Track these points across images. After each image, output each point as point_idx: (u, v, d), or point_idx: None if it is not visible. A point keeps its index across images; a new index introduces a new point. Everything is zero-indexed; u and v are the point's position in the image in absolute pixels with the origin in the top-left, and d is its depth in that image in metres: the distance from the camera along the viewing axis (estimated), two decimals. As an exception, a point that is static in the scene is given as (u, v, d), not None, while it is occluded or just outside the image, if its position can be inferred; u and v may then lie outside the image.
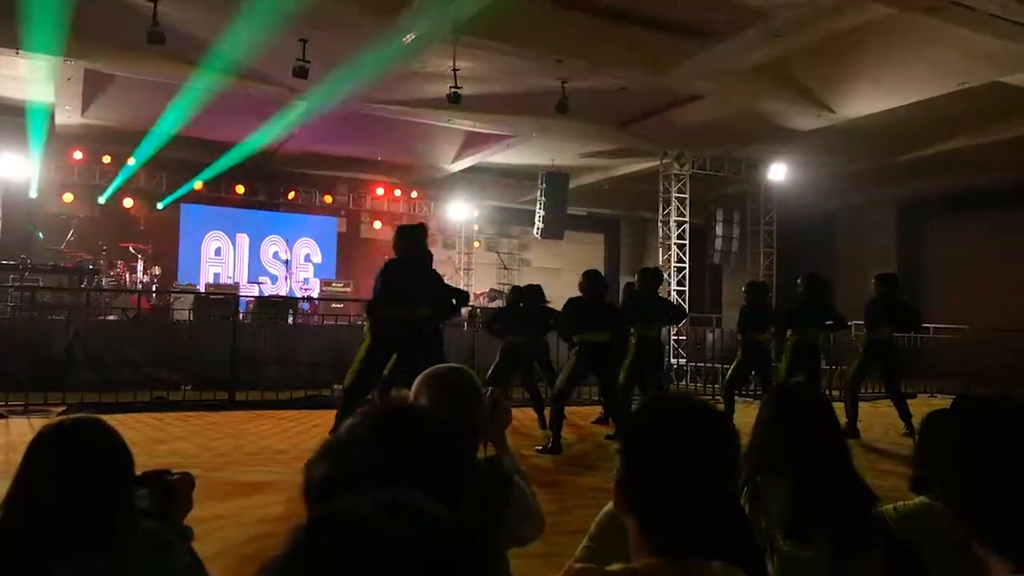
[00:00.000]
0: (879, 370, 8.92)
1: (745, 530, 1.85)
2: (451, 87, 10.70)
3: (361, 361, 6.25)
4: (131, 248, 14.62)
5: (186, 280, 15.91)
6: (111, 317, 12.38)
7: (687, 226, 15.71)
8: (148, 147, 14.57)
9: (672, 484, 1.17)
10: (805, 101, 12.07)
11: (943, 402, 9.02)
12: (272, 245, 17.70)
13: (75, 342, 10.40)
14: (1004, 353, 12.91)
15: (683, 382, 14.41)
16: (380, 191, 18.78)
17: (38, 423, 6.76)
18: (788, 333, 8.69)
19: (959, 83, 10.67)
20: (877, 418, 9.63)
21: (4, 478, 1.64)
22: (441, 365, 2.04)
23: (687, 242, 15.71)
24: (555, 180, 16.85)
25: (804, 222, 18.08)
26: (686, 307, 15.65)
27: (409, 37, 9.64)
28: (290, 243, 17.67)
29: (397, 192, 18.96)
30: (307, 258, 18.16)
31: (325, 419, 7.55)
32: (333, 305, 14.91)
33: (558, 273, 20.77)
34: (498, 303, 17.46)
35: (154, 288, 14.30)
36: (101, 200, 15.72)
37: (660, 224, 15.97)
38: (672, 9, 9.75)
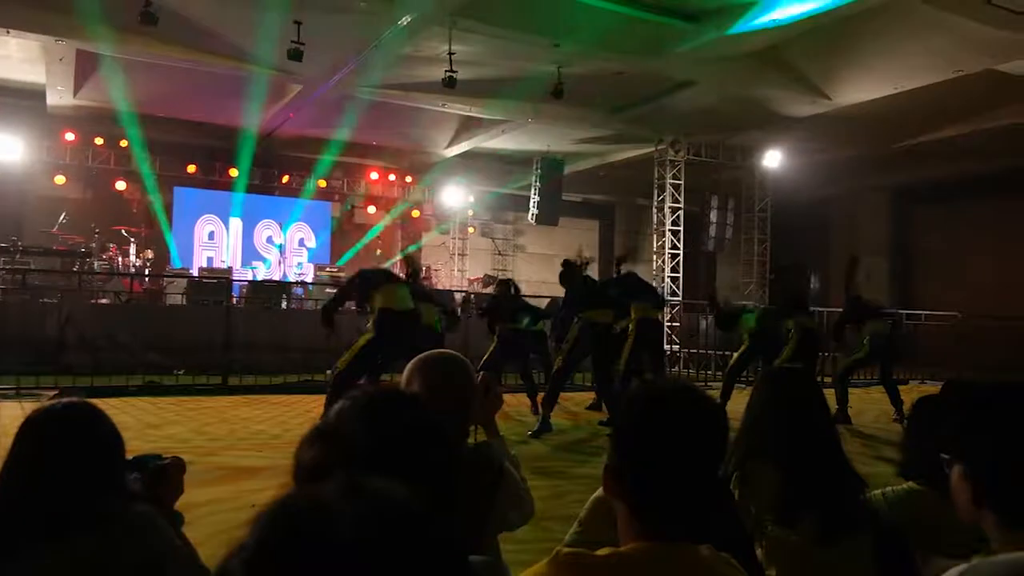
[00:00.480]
0: (879, 361, 8.96)
1: (734, 515, 1.86)
2: (446, 71, 10.64)
3: (360, 349, 6.26)
4: (124, 231, 14.56)
5: (179, 264, 15.86)
6: (103, 301, 12.35)
7: (681, 213, 15.71)
8: (141, 129, 14.47)
9: (662, 470, 1.17)
10: (800, 88, 12.05)
11: (933, 389, 9.08)
12: (266, 229, 17.64)
13: (67, 326, 10.37)
14: (995, 340, 12.99)
15: (676, 368, 14.45)
16: (374, 175, 18.71)
17: (29, 407, 6.73)
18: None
19: (954, 71, 10.67)
20: (869, 404, 9.69)
21: (-5, 461, 1.64)
22: (433, 351, 2.03)
23: (681, 229, 15.72)
24: (550, 166, 16.82)
25: (798, 209, 18.12)
26: (680, 293, 15.72)
27: (405, 20, 9.58)
28: (284, 227, 17.61)
29: (391, 177, 18.89)
30: (301, 243, 18.11)
31: (318, 404, 7.55)
32: (327, 290, 14.90)
33: (552, 259, 20.75)
34: (491, 289, 17.50)
35: (147, 272, 14.25)
36: (93, 182, 15.61)
37: (655, 211, 15.97)
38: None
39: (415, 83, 12.41)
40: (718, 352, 13.91)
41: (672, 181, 15.57)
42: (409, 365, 1.94)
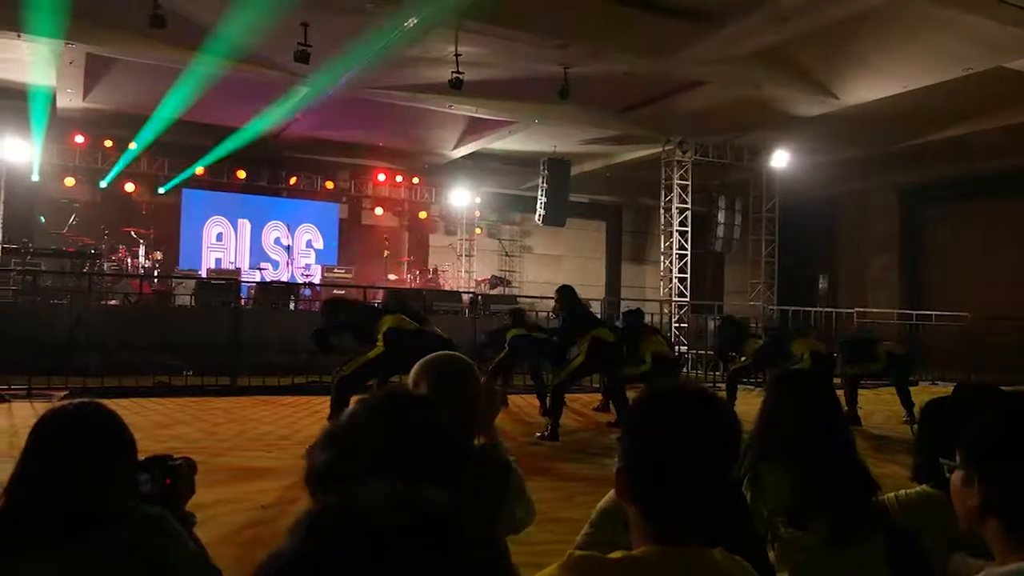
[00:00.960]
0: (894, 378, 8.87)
1: (746, 517, 1.86)
2: (453, 72, 10.65)
3: (368, 360, 6.28)
4: (133, 233, 14.62)
5: (188, 265, 15.92)
6: (113, 302, 12.40)
7: (689, 213, 15.68)
8: (150, 131, 14.54)
9: (674, 472, 1.17)
10: (808, 87, 12.01)
11: (944, 389, 9.01)
12: (274, 231, 17.69)
13: (78, 326, 10.41)
14: (1006, 340, 12.92)
15: (684, 370, 14.42)
16: (382, 177, 18.74)
17: (41, 407, 6.76)
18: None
19: (963, 69, 10.62)
20: (879, 405, 9.65)
21: (8, 461, 1.65)
22: (439, 353, 2.04)
23: (689, 229, 15.69)
24: (557, 167, 16.81)
25: (806, 209, 18.06)
26: (688, 294, 15.69)
27: (411, 21, 9.59)
28: (292, 229, 17.65)
29: (399, 178, 18.91)
30: (308, 244, 18.15)
31: (326, 405, 7.55)
32: (335, 291, 14.92)
33: (559, 260, 20.80)
34: (499, 290, 17.50)
35: (156, 273, 14.31)
36: (103, 184, 15.70)
37: (662, 211, 15.95)
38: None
39: (422, 84, 12.42)
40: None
41: (679, 181, 15.54)
42: (416, 367, 1.96)
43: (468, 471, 1.21)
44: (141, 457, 1.77)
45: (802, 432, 2.01)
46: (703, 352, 14.42)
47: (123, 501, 1.63)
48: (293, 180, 17.75)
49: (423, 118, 14.89)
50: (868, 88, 11.87)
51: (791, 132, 14.53)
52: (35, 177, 14.89)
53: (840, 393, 5.58)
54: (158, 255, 14.75)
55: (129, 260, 14.23)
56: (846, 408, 8.02)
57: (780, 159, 15.88)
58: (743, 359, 9.10)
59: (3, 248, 13.79)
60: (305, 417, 8.00)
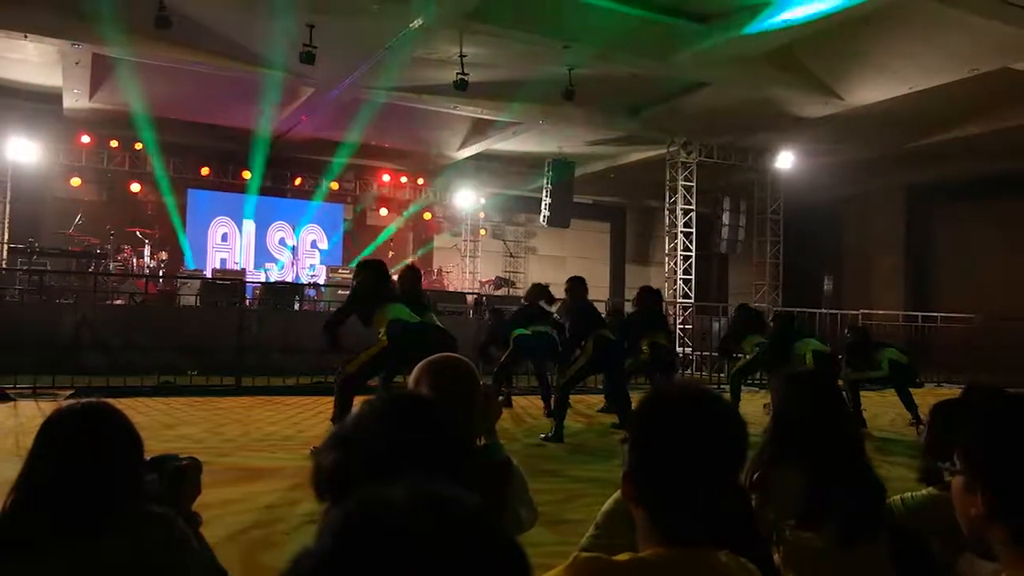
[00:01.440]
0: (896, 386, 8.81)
1: (752, 520, 1.85)
2: (458, 74, 10.66)
3: (372, 356, 6.25)
4: (138, 233, 14.67)
5: (193, 266, 15.96)
6: (118, 302, 12.43)
7: (694, 215, 15.67)
8: (155, 132, 14.57)
9: (680, 474, 1.17)
10: (813, 89, 11.99)
11: (950, 391, 8.97)
12: (278, 231, 17.72)
13: (83, 326, 10.45)
14: (1013, 342, 12.87)
15: (688, 371, 14.40)
16: (386, 178, 18.76)
17: (46, 406, 6.79)
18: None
19: (969, 70, 10.59)
20: (884, 408, 9.62)
21: (14, 461, 1.65)
22: (440, 355, 2.05)
23: (694, 231, 15.67)
24: (561, 168, 16.81)
25: (811, 210, 18.02)
26: (692, 295, 15.68)
27: (416, 23, 9.60)
28: (296, 229, 17.69)
29: (403, 179, 18.93)
30: (313, 244, 18.18)
31: (331, 405, 7.56)
32: (339, 292, 14.93)
33: (564, 261, 20.78)
34: (504, 291, 17.49)
35: (161, 273, 14.35)
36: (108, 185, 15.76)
37: (667, 212, 15.93)
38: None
39: (427, 85, 12.44)
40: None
41: (684, 183, 15.53)
42: (416, 368, 1.97)
43: (473, 472, 1.21)
44: (147, 457, 1.78)
45: (812, 434, 2.00)
46: (707, 354, 14.40)
47: (130, 501, 1.63)
48: (298, 181, 17.78)
49: (428, 119, 14.90)
50: (873, 89, 11.84)
51: (796, 133, 14.51)
52: (41, 178, 14.94)
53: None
54: (163, 255, 14.79)
55: (134, 260, 14.27)
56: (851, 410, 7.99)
57: (785, 160, 15.85)
58: (745, 356, 9.07)
59: (9, 248, 13.85)
60: (310, 417, 8.01)
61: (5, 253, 14.15)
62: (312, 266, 17.57)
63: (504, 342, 8.71)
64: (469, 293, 16.13)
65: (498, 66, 11.49)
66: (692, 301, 15.66)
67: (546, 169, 16.84)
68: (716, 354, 10.03)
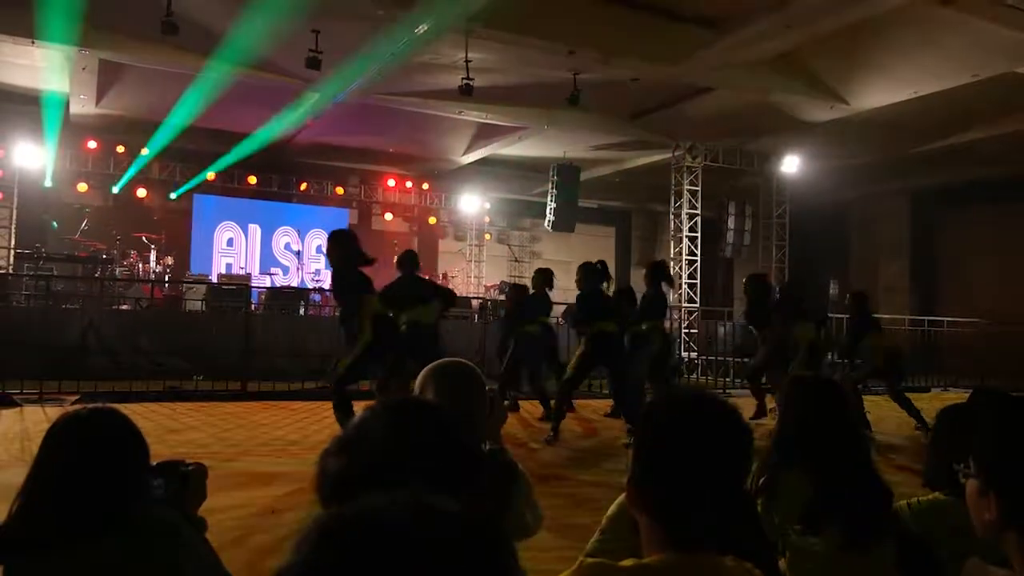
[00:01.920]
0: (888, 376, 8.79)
1: (757, 525, 1.85)
2: (463, 78, 10.68)
3: (360, 356, 6.23)
4: (144, 238, 14.71)
5: (198, 270, 16.00)
6: (124, 307, 12.47)
7: (699, 219, 15.65)
8: (162, 137, 14.64)
9: (686, 480, 1.17)
10: (818, 93, 11.99)
11: (956, 396, 8.94)
12: (284, 236, 17.76)
13: (89, 331, 10.48)
14: (1018, 346, 12.81)
15: (694, 376, 14.37)
16: (391, 183, 18.79)
17: (52, 412, 6.81)
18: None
19: (973, 74, 10.57)
20: (889, 412, 9.57)
21: (20, 465, 1.66)
22: (445, 359, 2.06)
23: (699, 235, 15.66)
24: (566, 172, 16.81)
25: (816, 214, 17.99)
26: (697, 300, 15.64)
27: (422, 28, 9.62)
28: (302, 234, 17.72)
29: (408, 184, 18.97)
30: (318, 249, 18.20)
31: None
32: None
33: (569, 266, 20.68)
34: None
35: (167, 278, 14.39)
36: (115, 190, 15.83)
37: (672, 217, 15.92)
38: None
39: (432, 90, 12.46)
40: (736, 359, 13.81)
41: (689, 187, 15.52)
42: (422, 373, 1.99)
43: (480, 476, 1.21)
44: (153, 463, 1.79)
45: (817, 438, 2.00)
46: (713, 358, 14.37)
47: (136, 504, 1.64)
48: (303, 186, 17.83)
49: (433, 124, 14.93)
50: (878, 94, 11.83)
51: (801, 137, 14.50)
52: (48, 183, 15.02)
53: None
54: (169, 260, 14.83)
55: (140, 265, 14.32)
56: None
57: (790, 164, 15.84)
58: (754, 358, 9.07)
59: (16, 253, 13.91)
60: (315, 422, 8.01)
61: (12, 258, 14.20)
62: (317, 271, 17.60)
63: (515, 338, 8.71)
64: (474, 298, 16.13)
65: (503, 71, 11.52)
66: (697, 305, 15.64)
67: (551, 174, 16.84)
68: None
